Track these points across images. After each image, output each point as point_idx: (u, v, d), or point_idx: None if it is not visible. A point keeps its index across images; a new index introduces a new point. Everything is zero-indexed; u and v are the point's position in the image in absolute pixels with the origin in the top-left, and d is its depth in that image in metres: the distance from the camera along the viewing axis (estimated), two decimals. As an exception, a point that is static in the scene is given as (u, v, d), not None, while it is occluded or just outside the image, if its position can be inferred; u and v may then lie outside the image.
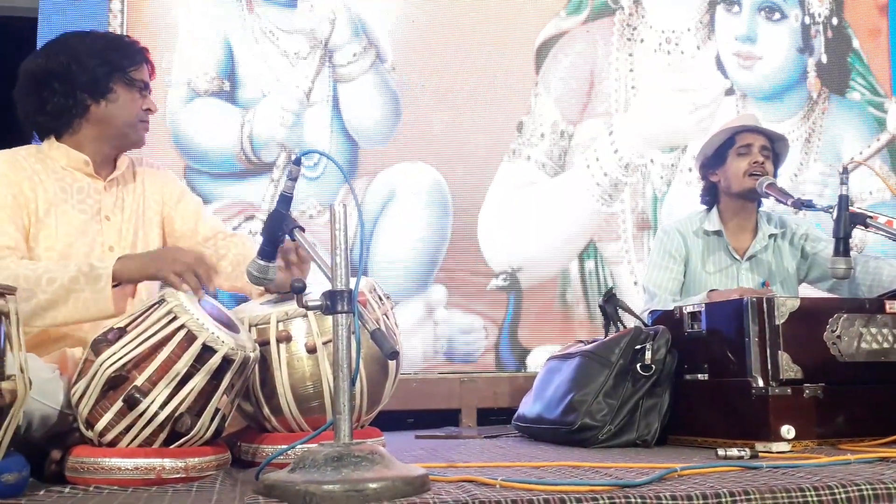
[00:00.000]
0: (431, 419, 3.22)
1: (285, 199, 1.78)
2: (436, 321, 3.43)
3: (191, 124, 3.30)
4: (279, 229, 1.78)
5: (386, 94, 3.53)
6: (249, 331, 1.86)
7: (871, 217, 2.41)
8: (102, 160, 2.16)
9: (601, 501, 1.36)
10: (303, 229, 1.79)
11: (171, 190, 2.30)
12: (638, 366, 2.26)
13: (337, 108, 3.46)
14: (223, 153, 3.33)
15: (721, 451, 1.89)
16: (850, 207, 2.40)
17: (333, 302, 1.51)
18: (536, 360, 3.47)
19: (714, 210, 2.92)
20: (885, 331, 2.18)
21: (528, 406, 2.54)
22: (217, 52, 3.35)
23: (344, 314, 1.51)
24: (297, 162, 1.75)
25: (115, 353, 1.64)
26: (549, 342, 3.50)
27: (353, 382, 1.51)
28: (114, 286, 1.88)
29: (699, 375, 2.24)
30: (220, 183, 3.30)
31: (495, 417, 3.33)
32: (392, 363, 1.95)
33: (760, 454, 1.90)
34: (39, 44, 3.13)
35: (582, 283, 3.62)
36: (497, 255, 3.54)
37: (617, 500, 1.37)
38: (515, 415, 2.64)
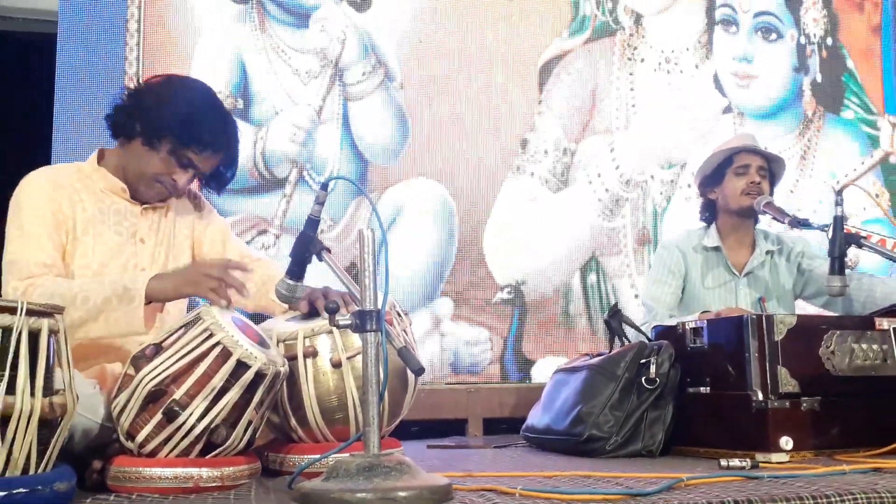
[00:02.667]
0: (436, 428, 3.31)
1: (312, 223, 1.89)
2: (442, 333, 3.54)
3: (205, 141, 3.39)
4: (307, 250, 1.89)
5: (394, 113, 3.64)
6: (278, 346, 1.96)
7: (864, 237, 2.53)
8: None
9: (615, 509, 1.47)
10: (329, 251, 1.89)
11: (202, 215, 2.37)
12: (643, 379, 2.36)
13: (347, 125, 3.57)
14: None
15: (723, 462, 1.99)
16: (845, 227, 2.51)
17: (363, 321, 1.61)
18: (540, 371, 3.58)
19: (713, 226, 3.03)
20: (874, 346, 2.29)
21: (537, 417, 2.64)
22: (231, 70, 3.46)
23: (372, 332, 1.61)
24: (325, 187, 1.86)
25: (155, 369, 1.74)
26: (553, 354, 3.62)
27: (381, 397, 1.61)
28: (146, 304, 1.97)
29: (701, 388, 2.34)
30: (233, 198, 3.39)
31: (501, 427, 3.43)
32: (412, 377, 2.04)
33: (761, 464, 2.00)
34: (59, 43, 3.25)
35: (584, 296, 3.73)
36: (502, 269, 3.65)
37: (630, 509, 1.47)
38: (524, 425, 2.74)
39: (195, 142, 2.12)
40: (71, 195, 2.13)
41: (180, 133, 2.10)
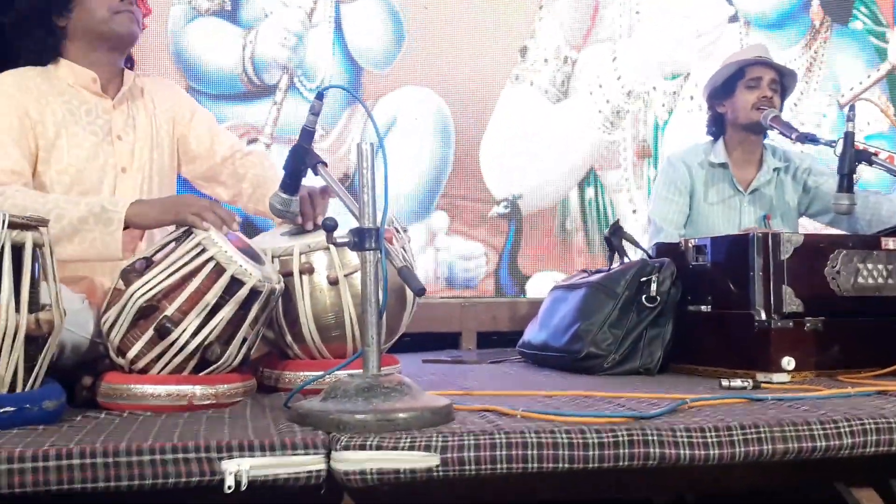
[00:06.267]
0: (428, 340, 3.29)
1: (308, 134, 1.80)
2: (437, 247, 3.48)
3: (192, 44, 3.26)
4: (302, 163, 1.80)
5: (388, 16, 3.49)
6: (273, 262, 1.90)
7: (874, 154, 2.46)
8: (108, 77, 2.14)
9: (619, 433, 1.43)
10: (325, 164, 1.81)
11: (181, 106, 2.27)
12: (643, 297, 2.32)
13: (339, 29, 3.43)
14: (225, 74, 3.30)
15: (725, 382, 1.97)
16: (855, 144, 2.44)
17: (362, 239, 1.55)
18: (535, 286, 3.55)
19: (720, 141, 2.95)
20: (880, 266, 2.25)
21: (534, 333, 2.61)
22: (217, -31, 3.29)
23: (371, 251, 1.55)
24: (320, 97, 1.77)
25: (145, 284, 1.68)
26: (548, 269, 3.58)
27: (380, 316, 1.55)
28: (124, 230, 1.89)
29: (702, 307, 2.31)
30: (222, 104, 3.28)
31: (493, 339, 3.41)
32: (410, 295, 1.99)
33: (762, 385, 1.98)
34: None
35: (581, 211, 3.67)
36: (499, 183, 3.57)
37: (635, 433, 1.44)
38: (520, 341, 2.71)
39: None
40: (38, 98, 2.03)
41: None
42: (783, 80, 2.90)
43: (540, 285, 3.52)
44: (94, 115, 2.10)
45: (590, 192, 3.68)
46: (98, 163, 2.07)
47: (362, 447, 1.36)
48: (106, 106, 2.12)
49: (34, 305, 1.51)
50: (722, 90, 2.92)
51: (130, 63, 2.27)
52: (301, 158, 1.79)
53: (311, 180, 1.89)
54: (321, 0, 3.41)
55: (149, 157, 2.16)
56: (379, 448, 1.37)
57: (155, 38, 3.21)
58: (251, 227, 3.01)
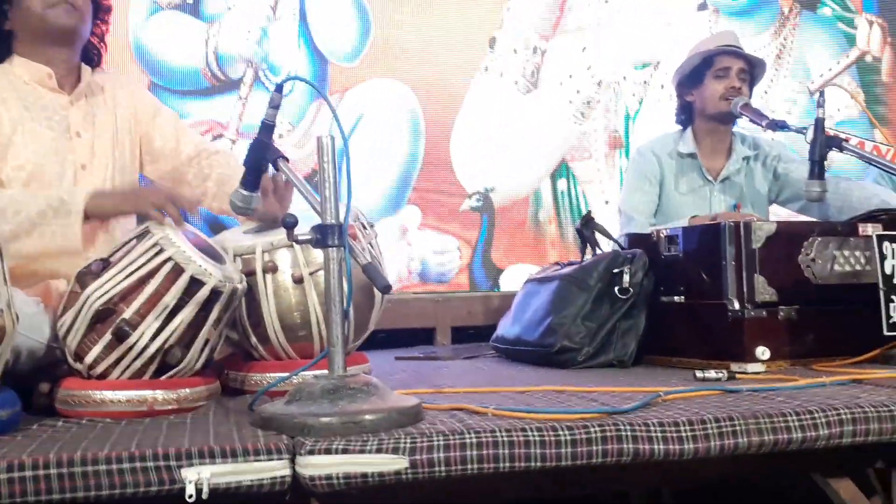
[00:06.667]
0: (402, 336, 3.25)
1: (268, 128, 1.74)
2: (409, 242, 3.43)
3: (154, 39, 3.19)
4: (262, 158, 1.74)
5: (354, 8, 3.43)
6: (234, 261, 1.85)
7: (845, 140, 2.44)
8: (63, 72, 2.08)
9: (592, 429, 1.40)
10: (286, 159, 1.75)
11: (143, 104, 2.22)
12: (616, 289, 2.29)
13: (305, 21, 3.36)
14: (188, 69, 3.23)
15: (699, 374, 1.95)
16: (825, 130, 2.42)
17: (324, 236, 1.50)
18: (509, 280, 3.52)
19: (689, 131, 2.92)
20: (857, 253, 2.23)
21: (507, 328, 2.58)
22: (177, -39, 3.22)
23: (334, 248, 1.50)
24: (279, 89, 1.71)
25: (101, 286, 1.62)
26: (522, 262, 3.54)
27: (345, 315, 1.51)
28: (84, 222, 1.84)
29: (675, 298, 2.28)
30: (185, 100, 3.21)
31: (469, 333, 3.37)
32: (378, 293, 1.95)
33: (737, 375, 1.96)
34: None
35: (554, 202, 3.64)
36: (470, 176, 3.52)
37: (608, 428, 1.41)
38: (493, 336, 2.68)
39: None
40: None
41: None
42: (752, 70, 2.88)
43: (514, 278, 3.48)
44: (51, 110, 2.05)
45: (562, 183, 3.65)
46: (56, 159, 2.02)
47: (328, 451, 1.32)
48: (63, 102, 2.07)
49: (-17, 311, 1.45)
50: (690, 79, 2.89)
51: (98, 59, 2.21)
52: (261, 153, 1.73)
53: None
54: (285, -9, 3.34)
55: (110, 155, 2.11)
56: (345, 452, 1.32)
57: (115, 33, 3.11)
58: (218, 226, 2.95)
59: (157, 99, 2.34)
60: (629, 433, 1.41)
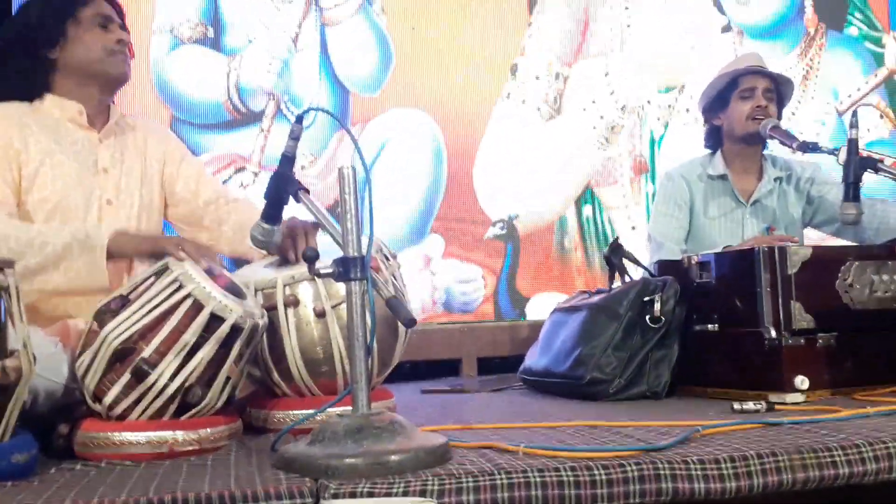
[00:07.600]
0: (428, 367, 3.20)
1: (288, 160, 1.71)
2: (433, 271, 3.39)
3: (175, 73, 3.20)
4: (283, 191, 1.71)
5: (376, 39, 3.42)
6: (255, 295, 1.81)
7: (880, 160, 2.37)
8: (95, 111, 2.10)
9: (629, 468, 1.34)
10: (307, 191, 1.72)
11: (173, 149, 2.25)
12: (647, 318, 2.23)
13: (326, 53, 3.36)
14: (210, 103, 3.23)
15: (737, 405, 1.87)
16: (859, 151, 2.36)
17: (346, 269, 1.46)
18: (535, 308, 3.46)
19: (718, 154, 2.87)
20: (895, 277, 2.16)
21: (535, 359, 2.52)
22: (199, -4, 3.23)
23: (357, 281, 1.46)
24: (300, 120, 1.68)
25: (120, 324, 1.58)
26: (548, 290, 3.48)
27: (368, 351, 1.46)
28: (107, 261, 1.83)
29: (709, 326, 2.21)
30: (207, 134, 3.21)
31: (495, 363, 3.31)
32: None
33: (776, 406, 1.88)
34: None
35: (580, 229, 3.59)
36: (494, 204, 3.49)
37: (645, 467, 1.34)
38: (521, 367, 2.61)
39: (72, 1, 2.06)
40: (22, 128, 1.99)
41: (60, 6, 2.05)
42: (779, 88, 2.82)
43: (540, 307, 3.42)
44: (80, 145, 2.07)
45: (587, 209, 3.60)
46: (83, 192, 2.03)
47: (353, 495, 1.27)
48: (92, 139, 2.09)
49: (0, 353, 1.41)
50: (717, 102, 2.84)
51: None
52: (282, 186, 1.70)
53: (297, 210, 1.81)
54: (306, 24, 3.34)
55: (137, 193, 2.13)
56: (371, 495, 1.27)
57: (137, 68, 3.13)
58: (242, 261, 2.92)
59: (185, 147, 2.36)
60: (668, 472, 1.34)
